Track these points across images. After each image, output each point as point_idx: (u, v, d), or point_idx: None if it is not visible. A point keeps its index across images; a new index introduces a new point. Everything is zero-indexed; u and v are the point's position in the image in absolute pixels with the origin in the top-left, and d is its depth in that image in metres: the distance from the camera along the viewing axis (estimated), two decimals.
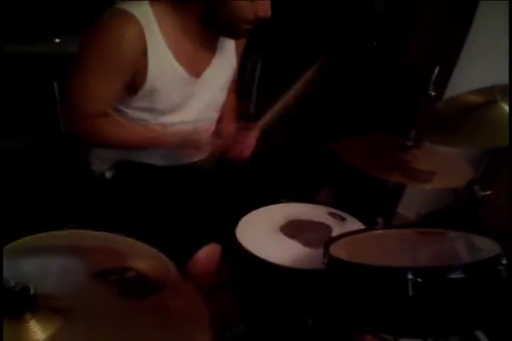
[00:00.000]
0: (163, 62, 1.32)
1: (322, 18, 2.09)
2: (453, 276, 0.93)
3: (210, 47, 1.44)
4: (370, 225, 1.50)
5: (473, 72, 1.88)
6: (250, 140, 1.51)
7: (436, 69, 1.30)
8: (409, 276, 0.93)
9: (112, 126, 1.39)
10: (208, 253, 1.29)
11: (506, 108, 1.16)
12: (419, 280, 0.93)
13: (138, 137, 1.41)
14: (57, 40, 2.07)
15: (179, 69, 1.36)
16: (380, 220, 1.57)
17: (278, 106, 1.51)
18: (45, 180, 1.87)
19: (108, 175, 1.51)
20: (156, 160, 1.50)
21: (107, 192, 1.50)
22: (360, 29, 2.00)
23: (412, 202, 2.14)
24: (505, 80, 1.74)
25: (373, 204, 1.67)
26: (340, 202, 1.74)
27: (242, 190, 1.53)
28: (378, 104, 1.95)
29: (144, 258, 0.86)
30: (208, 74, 1.45)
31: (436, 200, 1.89)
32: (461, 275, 0.93)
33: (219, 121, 1.63)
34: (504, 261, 0.95)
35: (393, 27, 1.89)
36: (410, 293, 0.93)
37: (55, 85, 1.65)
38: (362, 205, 1.73)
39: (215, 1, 1.27)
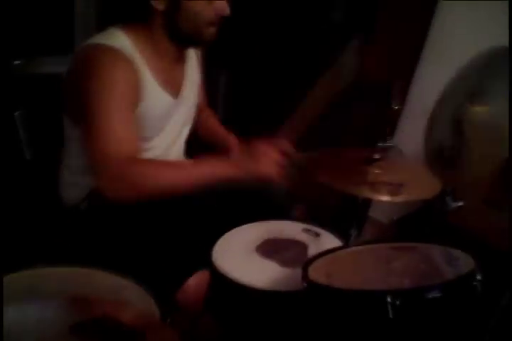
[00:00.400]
0: (149, 89, 1.32)
1: (281, 27, 2.09)
2: (430, 296, 0.94)
3: (181, 66, 1.46)
4: (344, 238, 1.51)
5: (432, 82, 1.92)
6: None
7: (396, 82, 1.32)
8: (389, 299, 0.94)
9: (158, 167, 1.29)
10: (196, 281, 1.29)
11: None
12: (398, 302, 0.94)
13: (193, 173, 1.29)
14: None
15: (162, 93, 1.37)
16: (353, 232, 1.58)
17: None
18: (9, 214, 1.80)
19: (82, 206, 1.47)
20: None
21: (82, 225, 1.45)
22: (319, 39, 2.02)
23: (383, 206, 2.17)
24: None
25: (345, 216, 1.68)
26: (315, 215, 1.76)
27: (220, 211, 1.52)
28: (340, 117, 1.97)
29: (123, 304, 0.84)
30: (183, 94, 1.46)
31: (408, 204, 1.92)
32: (438, 294, 0.94)
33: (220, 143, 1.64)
34: (479, 277, 0.97)
35: (352, 36, 1.91)
36: (390, 316, 0.94)
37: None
38: (335, 218, 1.75)
39: (172, 9, 1.27)
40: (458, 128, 1.15)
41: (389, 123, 1.40)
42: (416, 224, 1.60)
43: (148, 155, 1.43)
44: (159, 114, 1.38)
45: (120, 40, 1.28)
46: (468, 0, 1.83)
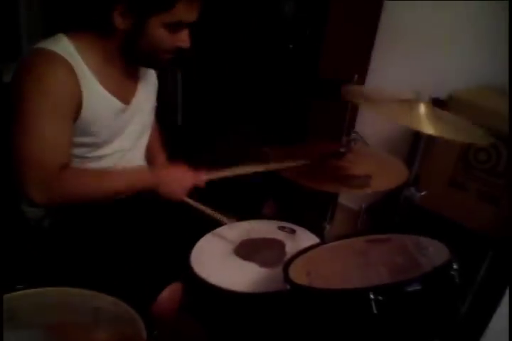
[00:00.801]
0: (94, 94, 1.29)
1: (233, 22, 2.08)
2: (411, 289, 0.97)
3: (134, 72, 1.44)
4: (318, 232, 1.53)
5: (385, 77, 1.97)
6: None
7: (355, 77, 1.33)
8: (371, 296, 0.97)
9: (86, 175, 1.31)
10: (170, 293, 1.27)
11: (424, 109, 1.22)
12: (381, 298, 0.96)
13: (119, 180, 1.34)
14: None
15: (111, 99, 1.34)
16: (326, 225, 1.61)
17: (227, 173, 1.48)
18: None
19: (46, 222, 1.45)
20: None
21: (47, 242, 1.43)
22: (274, 32, 2.01)
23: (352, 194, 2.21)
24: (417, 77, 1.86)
25: (317, 210, 1.71)
26: (286, 211, 1.77)
27: (187, 219, 1.51)
28: (301, 112, 1.99)
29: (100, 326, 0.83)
30: (137, 100, 1.44)
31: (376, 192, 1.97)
32: (419, 287, 0.97)
33: (150, 157, 1.62)
34: (455, 266, 1.01)
35: (306, 30, 1.91)
36: (375, 311, 0.96)
37: None
38: (306, 212, 1.78)
39: (134, 34, 1.25)
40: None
41: (349, 118, 1.42)
42: (385, 212, 1.64)
43: (106, 161, 1.42)
44: (109, 119, 1.36)
45: (63, 45, 1.25)
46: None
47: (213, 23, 2.09)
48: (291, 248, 1.39)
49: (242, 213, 1.55)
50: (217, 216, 1.45)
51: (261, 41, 2.04)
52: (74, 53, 1.26)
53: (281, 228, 1.50)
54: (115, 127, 1.40)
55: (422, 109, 1.23)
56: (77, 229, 1.40)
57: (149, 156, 1.64)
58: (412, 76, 1.93)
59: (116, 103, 1.36)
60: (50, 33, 1.32)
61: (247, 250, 1.40)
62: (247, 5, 2.01)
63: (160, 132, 1.72)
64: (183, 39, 1.29)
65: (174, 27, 1.26)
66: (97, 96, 1.30)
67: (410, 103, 1.26)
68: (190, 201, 1.46)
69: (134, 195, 1.50)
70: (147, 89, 1.49)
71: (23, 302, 1.02)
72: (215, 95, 2.21)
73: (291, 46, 1.96)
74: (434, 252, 1.11)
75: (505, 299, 1.42)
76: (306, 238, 1.46)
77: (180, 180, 1.40)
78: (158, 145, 1.68)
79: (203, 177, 1.44)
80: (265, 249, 1.41)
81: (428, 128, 1.16)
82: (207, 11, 2.00)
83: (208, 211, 1.45)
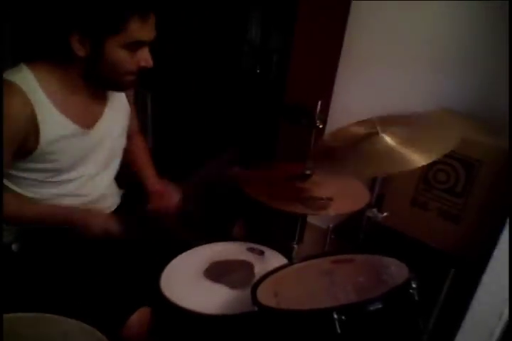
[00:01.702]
0: (51, 121, 1.30)
1: (203, 46, 2.12)
2: (373, 308, 1.01)
3: (101, 97, 1.44)
4: (287, 252, 1.57)
5: (349, 101, 2.04)
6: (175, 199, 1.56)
7: (319, 103, 1.39)
8: (335, 316, 1.00)
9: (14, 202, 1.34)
10: (139, 318, 1.28)
11: (387, 139, 1.27)
12: (344, 317, 1.00)
13: (36, 214, 1.39)
14: None
15: (69, 124, 1.34)
16: (295, 246, 1.64)
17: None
18: None
19: (14, 247, 1.44)
20: None
21: (16, 267, 1.42)
22: (242, 56, 2.07)
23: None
24: (379, 100, 1.92)
25: (286, 230, 1.74)
26: (256, 232, 1.80)
27: (157, 242, 1.53)
28: (269, 134, 2.04)
29: None
30: (103, 124, 1.44)
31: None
32: (380, 306, 1.01)
33: (138, 170, 1.66)
34: (414, 284, 1.05)
35: (272, 56, 1.97)
36: (338, 331, 1.00)
37: None
38: (276, 232, 1.81)
39: (94, 58, 1.27)
40: None
41: (315, 141, 1.47)
42: (352, 231, 1.68)
43: (69, 186, 1.43)
44: (68, 144, 1.36)
45: (22, 75, 1.27)
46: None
47: (183, 47, 2.14)
48: (260, 269, 1.42)
49: (213, 235, 1.58)
50: (189, 236, 1.47)
51: (229, 65, 2.09)
52: (32, 82, 1.27)
53: (251, 249, 1.53)
54: (77, 152, 1.40)
55: (382, 142, 1.29)
56: (46, 253, 1.40)
57: (137, 170, 1.66)
58: (374, 99, 2.00)
59: (74, 128, 1.35)
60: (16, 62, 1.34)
61: (216, 272, 1.42)
62: (216, 30, 2.06)
63: (146, 145, 1.75)
64: (144, 58, 1.30)
65: (132, 47, 1.27)
66: (53, 122, 1.30)
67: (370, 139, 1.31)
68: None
69: None
70: (116, 112, 1.49)
71: None
72: (184, 118, 2.24)
73: (258, 71, 2.01)
74: (396, 271, 1.15)
75: (470, 316, 1.47)
76: (274, 259, 1.48)
77: (92, 224, 1.40)
78: (146, 158, 1.71)
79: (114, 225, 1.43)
80: (234, 270, 1.43)
81: (388, 167, 1.21)
82: (177, 35, 2.07)
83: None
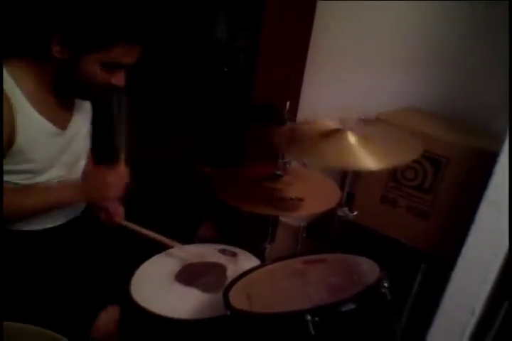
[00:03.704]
0: (28, 119, 1.28)
1: (169, 45, 2.10)
2: (345, 309, 1.01)
3: (69, 98, 1.43)
4: (259, 253, 1.56)
5: (317, 99, 2.04)
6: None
7: (288, 103, 1.38)
8: (308, 317, 1.00)
9: (6, 195, 1.25)
10: (107, 317, 1.27)
11: (351, 137, 1.29)
12: (317, 319, 1.00)
13: (42, 199, 1.34)
14: None
15: (46, 124, 1.33)
16: (267, 246, 1.64)
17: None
18: None
19: None
20: (29, 224, 1.43)
21: None
22: (208, 56, 2.05)
23: None
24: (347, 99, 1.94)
25: (257, 231, 1.73)
26: (226, 233, 1.79)
27: (124, 243, 1.51)
28: (238, 134, 2.03)
29: None
30: (72, 125, 1.43)
31: None
32: (353, 306, 1.01)
33: None
34: (386, 284, 1.05)
35: (239, 54, 1.96)
36: (312, 333, 0.99)
37: None
38: (247, 233, 1.80)
39: (68, 65, 1.25)
40: None
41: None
42: (324, 229, 1.69)
43: None
44: (44, 144, 1.35)
45: None
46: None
47: (149, 47, 2.11)
48: (232, 271, 1.41)
49: (179, 236, 1.56)
50: (160, 238, 1.45)
51: (196, 64, 2.07)
52: (7, 78, 1.25)
53: (222, 251, 1.52)
54: (51, 153, 1.38)
55: (349, 138, 1.29)
56: (12, 255, 1.36)
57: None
58: (342, 98, 2.00)
59: (51, 128, 1.35)
60: None
61: (188, 275, 1.41)
62: (182, 29, 2.04)
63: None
64: (119, 78, 1.30)
65: (110, 66, 1.26)
66: (31, 120, 1.29)
67: (337, 134, 1.31)
68: (131, 225, 1.47)
69: (72, 219, 1.50)
70: (82, 115, 1.49)
71: None
72: (151, 118, 2.21)
73: (225, 69, 2.00)
74: (367, 270, 1.15)
75: (442, 311, 1.50)
76: (247, 260, 1.48)
77: (102, 182, 1.36)
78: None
79: (124, 171, 1.40)
80: (206, 273, 1.42)
81: (356, 162, 1.22)
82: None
83: (150, 234, 1.46)
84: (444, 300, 1.48)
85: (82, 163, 1.55)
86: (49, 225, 1.48)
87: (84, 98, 1.43)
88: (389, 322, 1.09)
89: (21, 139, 1.27)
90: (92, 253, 1.47)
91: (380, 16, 1.88)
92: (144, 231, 1.50)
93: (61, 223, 1.51)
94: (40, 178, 1.39)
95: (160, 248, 1.50)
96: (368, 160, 1.24)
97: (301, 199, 1.44)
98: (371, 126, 1.38)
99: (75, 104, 1.45)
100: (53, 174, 1.42)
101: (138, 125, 2.35)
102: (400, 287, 1.15)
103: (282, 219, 2.32)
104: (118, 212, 1.55)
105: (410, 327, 1.65)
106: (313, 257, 1.28)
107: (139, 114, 2.31)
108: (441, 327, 1.51)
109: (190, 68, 2.04)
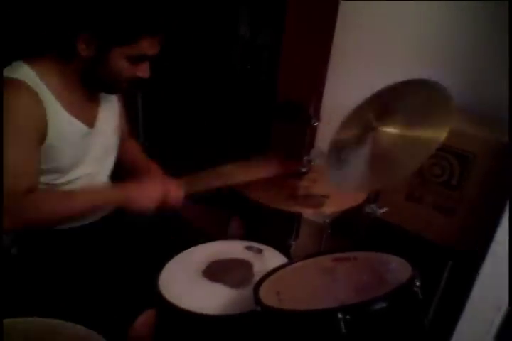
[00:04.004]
0: (59, 120, 1.30)
1: (192, 43, 2.11)
2: (377, 307, 1.01)
3: (95, 95, 1.45)
4: (284, 249, 1.57)
5: (341, 94, 2.03)
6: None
7: (312, 100, 1.38)
8: (340, 315, 1.00)
9: (51, 199, 1.31)
10: (145, 319, 1.29)
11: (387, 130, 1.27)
12: (348, 317, 1.00)
13: (86, 201, 1.34)
14: None
15: (76, 124, 1.35)
16: (292, 243, 1.64)
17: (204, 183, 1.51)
18: None
19: (14, 250, 1.43)
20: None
21: (17, 271, 1.40)
22: (231, 53, 2.05)
23: None
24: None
25: (282, 228, 1.74)
26: (252, 230, 1.80)
27: (156, 241, 1.52)
28: (262, 131, 2.03)
29: None
30: (100, 122, 1.45)
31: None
32: (384, 305, 1.01)
33: (141, 170, 1.61)
34: (418, 282, 1.05)
35: (263, 52, 1.96)
36: (343, 331, 1.00)
37: None
38: (272, 230, 1.80)
39: (95, 62, 1.27)
40: None
41: (310, 138, 1.46)
42: (349, 226, 1.68)
43: (71, 186, 1.42)
44: (74, 144, 1.37)
45: (24, 71, 1.26)
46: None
47: (173, 45, 2.11)
48: (258, 268, 1.41)
49: (208, 234, 1.57)
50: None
51: (220, 62, 2.07)
52: (37, 80, 1.27)
53: (249, 248, 1.52)
54: (80, 151, 1.40)
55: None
56: (46, 256, 1.39)
57: (143, 170, 1.61)
58: (366, 94, 1.99)
59: (81, 127, 1.37)
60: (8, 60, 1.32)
61: (215, 272, 1.42)
62: (205, 27, 2.05)
63: (141, 148, 1.73)
64: (143, 70, 1.32)
65: (136, 59, 1.29)
66: (62, 121, 1.31)
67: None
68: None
69: (102, 220, 1.51)
70: (108, 111, 1.50)
71: None
72: (176, 116, 2.23)
73: (249, 67, 2.00)
74: (398, 269, 1.15)
75: (469, 307, 1.48)
76: (273, 257, 1.48)
77: (148, 192, 1.38)
78: (143, 157, 1.69)
79: (175, 187, 1.42)
80: (233, 269, 1.42)
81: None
82: (167, 33, 2.04)
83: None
84: (471, 296, 1.47)
85: (111, 159, 1.57)
86: (79, 224, 1.48)
87: (111, 92, 1.45)
88: (420, 321, 1.09)
89: (52, 139, 1.29)
90: (124, 250, 1.48)
91: (403, 12, 1.86)
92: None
93: (93, 221, 1.52)
94: (69, 176, 1.40)
95: (187, 245, 1.51)
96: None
97: (325, 197, 1.44)
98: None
99: (100, 101, 1.47)
100: (81, 172, 1.43)
101: (161, 123, 2.38)
102: (426, 284, 1.15)
103: (305, 216, 2.32)
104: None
105: (437, 323, 1.65)
106: (343, 255, 1.28)
107: (162, 112, 2.34)
108: (468, 323, 1.50)
109: (214, 66, 2.04)
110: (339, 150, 1.36)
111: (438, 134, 1.17)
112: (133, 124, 2.41)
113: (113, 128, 1.53)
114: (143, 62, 1.31)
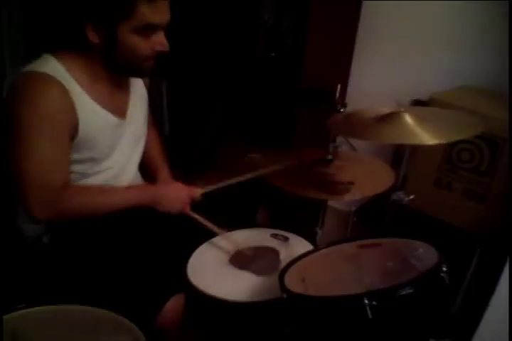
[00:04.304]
0: (90, 113, 1.32)
1: (216, 30, 2.10)
2: (404, 293, 1.01)
3: (124, 85, 1.46)
4: (311, 237, 1.57)
5: (367, 82, 2.01)
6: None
7: (339, 87, 1.37)
8: (366, 301, 1.00)
9: (86, 194, 1.35)
10: (174, 305, 1.29)
11: (408, 118, 1.26)
12: (375, 303, 0.99)
13: (119, 199, 1.38)
14: None
15: (107, 116, 1.36)
16: (318, 230, 1.64)
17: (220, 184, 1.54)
18: None
19: (45, 239, 1.46)
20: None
21: (47, 259, 1.44)
22: (256, 40, 2.04)
23: None
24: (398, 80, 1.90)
25: (308, 215, 1.74)
26: (278, 218, 1.80)
27: (184, 230, 1.53)
28: (287, 119, 2.02)
29: None
30: (131, 111, 1.46)
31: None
32: (411, 290, 1.01)
33: (150, 166, 1.64)
34: (445, 268, 1.04)
35: (287, 39, 1.94)
36: (370, 316, 0.99)
37: None
38: (298, 218, 1.80)
39: (109, 45, 1.26)
40: None
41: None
42: (375, 213, 1.67)
43: (104, 175, 1.44)
44: (106, 135, 1.38)
45: (52, 66, 1.27)
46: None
47: (196, 33, 2.12)
48: (285, 255, 1.42)
49: (236, 222, 1.58)
50: (215, 229, 1.49)
51: (244, 49, 2.07)
52: (65, 74, 1.28)
53: (274, 236, 1.53)
54: (112, 141, 1.42)
55: (406, 119, 1.27)
56: (77, 244, 1.41)
57: (151, 167, 1.65)
58: (393, 79, 1.97)
59: (112, 118, 1.38)
60: (32, 54, 1.34)
61: (242, 259, 1.43)
62: (228, 14, 2.04)
63: (160, 141, 1.74)
64: (159, 42, 1.28)
65: (145, 31, 1.25)
66: (92, 114, 1.32)
67: (393, 117, 1.29)
68: (192, 213, 1.49)
69: (131, 209, 1.53)
70: (138, 100, 1.51)
71: (24, 322, 1.04)
72: (201, 105, 2.23)
73: (273, 54, 1.99)
74: (425, 255, 1.14)
75: (498, 294, 1.46)
76: (299, 245, 1.48)
77: (176, 196, 1.45)
78: (159, 155, 1.70)
79: (198, 191, 1.49)
80: (260, 257, 1.43)
81: (414, 139, 1.19)
82: (189, 21, 2.05)
83: (208, 224, 1.49)
84: (499, 284, 1.45)
85: (140, 147, 1.58)
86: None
87: (137, 75, 1.44)
88: (447, 307, 1.08)
89: (84, 131, 1.30)
90: (155, 239, 1.49)
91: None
92: (208, 224, 1.51)
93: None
94: (103, 166, 1.42)
95: (214, 234, 1.52)
96: (425, 136, 1.21)
97: (351, 183, 1.43)
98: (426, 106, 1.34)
99: (129, 91, 1.48)
100: (114, 161, 1.45)
101: (185, 111, 2.39)
102: (455, 271, 1.13)
103: (331, 204, 2.32)
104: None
105: (466, 310, 1.63)
106: (368, 241, 1.28)
107: (186, 100, 2.35)
108: (497, 309, 1.48)
109: (238, 52, 2.03)
110: None
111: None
112: (158, 114, 2.43)
113: (144, 116, 1.55)
114: (155, 34, 1.27)
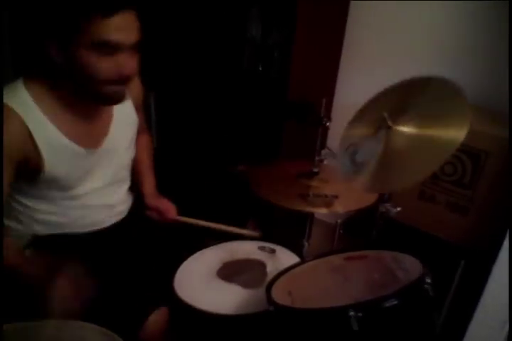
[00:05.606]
0: (55, 144, 1.26)
1: (203, 44, 2.12)
2: (388, 304, 1.02)
3: (104, 111, 1.38)
4: (298, 249, 1.58)
5: (353, 95, 2.03)
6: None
7: (324, 101, 1.39)
8: (351, 313, 1.01)
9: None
10: (157, 318, 1.29)
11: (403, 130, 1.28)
12: (360, 314, 1.01)
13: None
14: None
15: (73, 147, 1.30)
16: (305, 243, 1.65)
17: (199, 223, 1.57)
18: None
19: (27, 253, 1.45)
20: (78, 227, 1.45)
21: (29, 273, 1.43)
22: (242, 54, 2.06)
23: None
24: None
25: (295, 228, 1.75)
26: (266, 230, 1.81)
27: (171, 243, 1.54)
28: (274, 132, 2.04)
29: None
30: (109, 140, 1.40)
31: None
32: (395, 302, 1.02)
33: (136, 170, 1.62)
34: (428, 280, 1.06)
35: (273, 53, 1.97)
36: (355, 328, 1.01)
37: None
38: (285, 230, 1.82)
39: (69, 62, 1.18)
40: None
41: (321, 137, 1.47)
42: (361, 226, 1.69)
43: (81, 200, 1.42)
44: (71, 165, 1.33)
45: (19, 94, 1.22)
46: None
47: (184, 46, 2.14)
48: (272, 268, 1.43)
49: (225, 235, 1.58)
50: (220, 227, 1.52)
51: (231, 63, 2.09)
52: (29, 102, 1.22)
53: (262, 248, 1.53)
54: (81, 171, 1.37)
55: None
56: (59, 257, 1.40)
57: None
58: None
59: (77, 149, 1.31)
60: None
61: (229, 272, 1.44)
62: (216, 28, 2.06)
63: (151, 147, 1.73)
64: (121, 63, 1.18)
65: (104, 49, 1.16)
66: (54, 144, 1.26)
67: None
68: (187, 219, 1.54)
69: (116, 223, 1.53)
70: (122, 126, 1.44)
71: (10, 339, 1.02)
72: (188, 117, 2.24)
73: (260, 68, 2.01)
74: (410, 267, 1.16)
75: (482, 306, 1.48)
76: (285, 257, 1.49)
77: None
78: (147, 160, 1.68)
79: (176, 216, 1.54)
80: (247, 270, 1.44)
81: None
82: (177, 34, 2.06)
83: (208, 224, 1.52)
84: (484, 295, 1.47)
85: (126, 171, 1.55)
86: (96, 227, 1.49)
87: (104, 101, 1.30)
88: (431, 318, 1.09)
89: (49, 164, 1.26)
90: (139, 252, 1.49)
91: (412, 10, 1.87)
92: (202, 222, 1.53)
93: (109, 225, 1.53)
94: (72, 193, 1.39)
95: (201, 246, 1.53)
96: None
97: (335, 197, 1.45)
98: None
99: (112, 117, 1.41)
100: (88, 187, 1.41)
101: (172, 124, 2.40)
102: (439, 283, 1.15)
103: (317, 216, 2.33)
104: (169, 209, 1.58)
105: (450, 322, 1.65)
106: (354, 253, 1.29)
107: (173, 113, 2.36)
108: (481, 322, 1.50)
109: (225, 66, 2.05)
110: (351, 148, 1.36)
111: (456, 135, 1.17)
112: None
113: (128, 142, 1.49)
114: (118, 56, 1.18)
